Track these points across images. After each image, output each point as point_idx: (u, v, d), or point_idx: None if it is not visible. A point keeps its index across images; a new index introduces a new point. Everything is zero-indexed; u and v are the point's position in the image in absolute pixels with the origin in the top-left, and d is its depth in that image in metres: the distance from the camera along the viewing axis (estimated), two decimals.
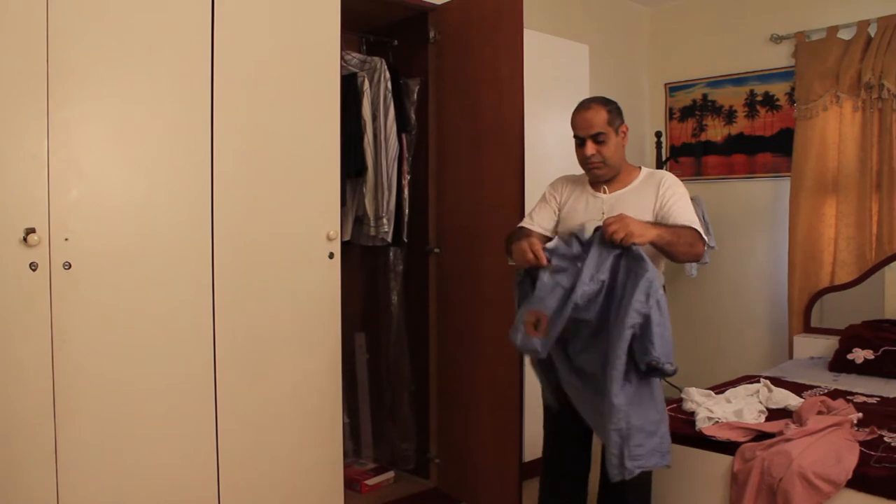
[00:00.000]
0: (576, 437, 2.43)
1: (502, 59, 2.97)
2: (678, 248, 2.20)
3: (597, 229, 2.17)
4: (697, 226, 2.30)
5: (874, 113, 3.86)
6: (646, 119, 4.87)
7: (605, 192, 2.38)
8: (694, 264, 4.36)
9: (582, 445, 2.45)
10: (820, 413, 2.59)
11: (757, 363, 4.26)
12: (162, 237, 2.31)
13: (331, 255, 2.72)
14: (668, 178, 2.39)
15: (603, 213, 2.31)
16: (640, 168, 2.44)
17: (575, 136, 2.36)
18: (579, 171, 2.47)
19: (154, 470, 2.29)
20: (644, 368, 2.07)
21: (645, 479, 2.38)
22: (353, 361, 3.57)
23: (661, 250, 2.22)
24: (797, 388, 3.06)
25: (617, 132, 2.34)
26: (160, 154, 2.31)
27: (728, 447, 2.43)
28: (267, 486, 2.57)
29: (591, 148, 2.31)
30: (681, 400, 2.83)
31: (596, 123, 2.30)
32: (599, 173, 2.36)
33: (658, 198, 2.33)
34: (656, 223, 2.24)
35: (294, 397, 2.64)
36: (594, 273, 2.12)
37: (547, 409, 2.51)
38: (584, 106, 2.35)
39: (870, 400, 2.92)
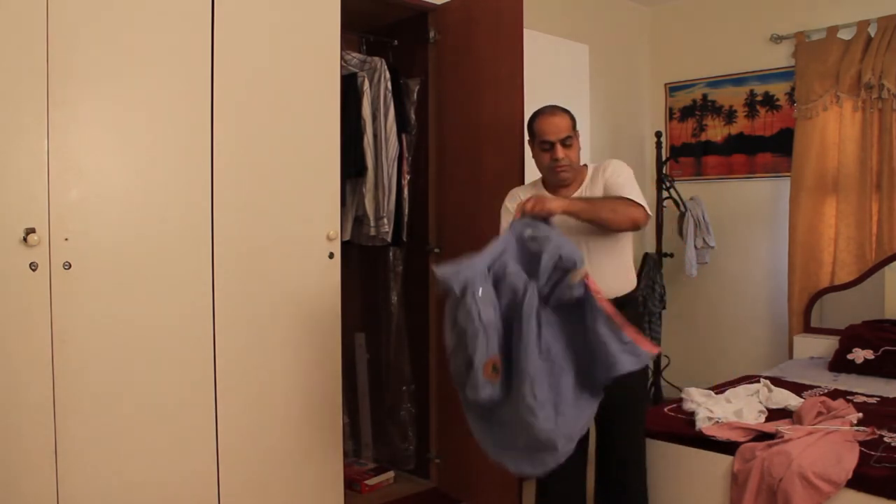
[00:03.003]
0: None
1: (502, 59, 2.97)
2: (600, 215, 2.21)
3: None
4: (633, 196, 2.29)
5: (874, 113, 3.86)
6: (646, 119, 4.87)
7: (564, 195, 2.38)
8: (694, 264, 4.35)
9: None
10: (820, 413, 2.59)
11: (757, 363, 4.25)
12: (162, 237, 2.30)
13: (331, 255, 2.72)
14: (612, 164, 2.41)
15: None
16: (586, 165, 2.48)
17: (541, 142, 2.36)
18: None
19: (154, 469, 2.29)
20: None
21: (642, 475, 2.39)
22: (353, 361, 3.57)
23: (587, 221, 2.22)
24: (797, 388, 3.06)
25: (577, 135, 2.40)
26: (160, 153, 2.31)
27: (728, 447, 2.43)
28: (267, 486, 2.57)
29: (561, 151, 2.34)
30: (681, 400, 2.83)
31: (563, 128, 2.34)
32: (566, 176, 2.38)
33: (602, 183, 2.38)
34: (572, 198, 2.27)
35: (294, 397, 2.64)
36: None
37: None
38: (550, 112, 2.38)
39: (870, 400, 2.92)
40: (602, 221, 2.23)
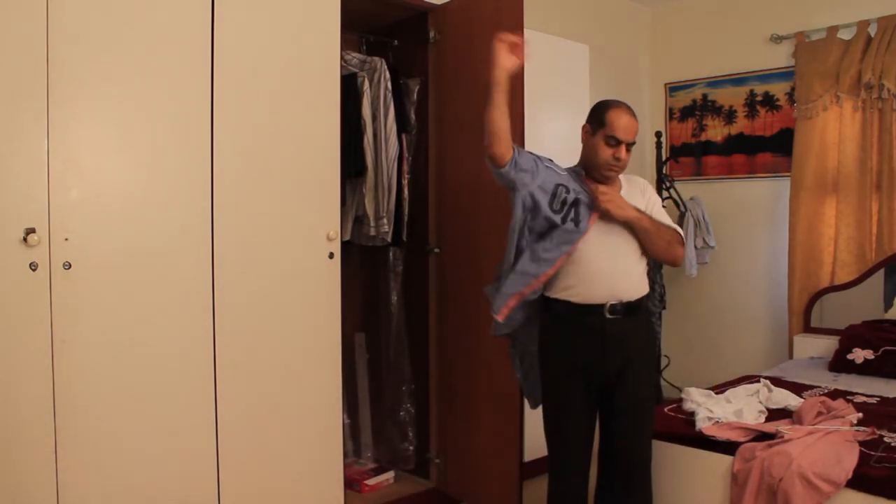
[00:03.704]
0: (581, 409, 2.43)
1: None
2: (655, 239, 2.34)
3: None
4: (681, 231, 2.43)
5: (874, 113, 3.86)
6: (646, 119, 4.87)
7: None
8: (694, 264, 4.36)
9: (588, 416, 2.45)
10: (820, 413, 2.59)
11: (757, 363, 4.26)
12: (162, 237, 2.31)
13: (331, 255, 2.72)
14: (649, 186, 2.52)
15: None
16: None
17: (610, 137, 2.29)
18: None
19: (154, 470, 2.29)
20: None
21: (645, 478, 2.39)
22: (353, 361, 3.57)
23: (639, 237, 2.33)
24: (797, 388, 3.06)
25: None
26: (160, 153, 2.31)
27: (728, 447, 2.43)
28: (267, 486, 2.57)
29: (624, 153, 2.31)
30: (681, 400, 2.83)
31: (635, 132, 2.33)
32: (613, 177, 2.37)
33: (645, 202, 2.42)
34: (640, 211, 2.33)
35: (294, 397, 2.64)
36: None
37: (549, 386, 2.49)
38: (628, 110, 2.33)
39: (870, 400, 2.92)
40: (651, 246, 2.34)
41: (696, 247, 4.37)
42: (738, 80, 4.51)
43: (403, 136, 3.33)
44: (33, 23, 2.04)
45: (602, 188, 2.30)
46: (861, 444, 2.33)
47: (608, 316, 2.32)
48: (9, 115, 2.01)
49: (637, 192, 2.43)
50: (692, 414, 2.64)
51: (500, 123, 2.24)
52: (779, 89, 4.35)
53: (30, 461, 2.06)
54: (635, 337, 2.36)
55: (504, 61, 2.21)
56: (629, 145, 2.32)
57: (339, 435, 2.77)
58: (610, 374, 2.34)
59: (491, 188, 3.02)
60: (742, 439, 2.43)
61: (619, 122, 2.30)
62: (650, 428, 2.45)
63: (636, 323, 2.37)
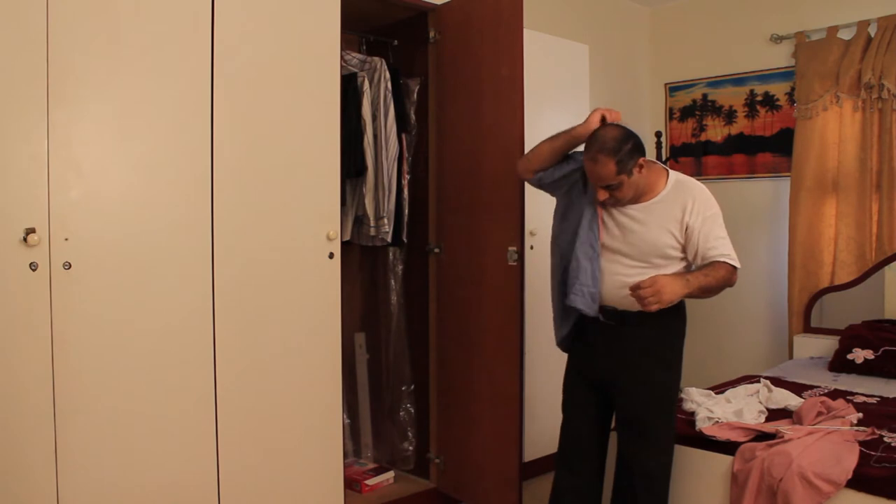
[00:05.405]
0: (593, 411, 2.44)
1: (502, 59, 2.97)
2: (709, 295, 2.29)
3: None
4: (729, 256, 2.29)
5: (874, 113, 3.86)
6: (646, 119, 4.87)
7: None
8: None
9: (600, 421, 2.46)
10: (820, 413, 2.59)
11: (757, 363, 4.26)
12: (162, 237, 2.30)
13: (331, 255, 2.72)
14: (698, 200, 2.30)
15: (626, 225, 2.31)
16: (667, 172, 2.35)
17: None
18: None
19: (154, 470, 2.29)
20: None
21: (663, 482, 2.38)
22: (353, 361, 3.57)
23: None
24: (797, 388, 3.07)
25: (631, 174, 2.21)
26: (160, 153, 2.31)
27: (728, 447, 2.43)
28: (267, 486, 2.57)
29: (602, 194, 2.25)
30: (681, 400, 2.83)
31: (604, 176, 2.20)
32: (613, 207, 2.32)
33: (684, 223, 2.28)
34: (687, 275, 2.23)
35: (294, 397, 2.64)
36: None
37: (565, 385, 2.52)
38: (591, 157, 2.21)
39: (870, 400, 2.92)
40: (708, 298, 2.33)
41: None
42: (738, 80, 4.51)
43: (403, 136, 3.33)
44: (33, 23, 2.03)
45: (644, 283, 2.12)
46: (861, 444, 2.33)
47: (600, 318, 2.33)
48: (9, 115, 2.01)
49: (677, 206, 2.28)
50: (692, 414, 2.64)
51: (544, 155, 2.43)
52: (779, 89, 4.35)
53: (30, 461, 2.06)
54: (632, 348, 2.32)
55: (594, 124, 2.31)
56: (607, 187, 2.23)
57: (339, 435, 2.77)
58: (600, 376, 2.35)
59: (491, 188, 3.02)
60: (742, 439, 2.44)
61: (587, 167, 2.27)
62: (656, 443, 2.35)
63: (636, 335, 2.32)
